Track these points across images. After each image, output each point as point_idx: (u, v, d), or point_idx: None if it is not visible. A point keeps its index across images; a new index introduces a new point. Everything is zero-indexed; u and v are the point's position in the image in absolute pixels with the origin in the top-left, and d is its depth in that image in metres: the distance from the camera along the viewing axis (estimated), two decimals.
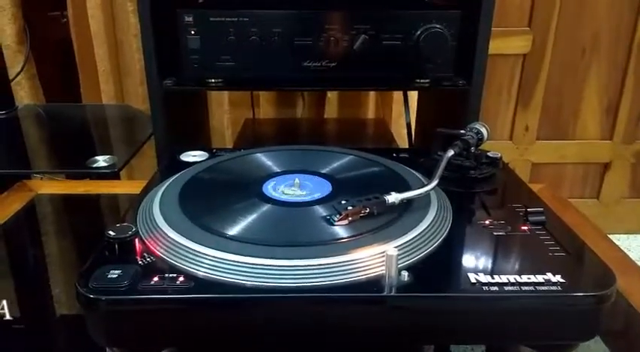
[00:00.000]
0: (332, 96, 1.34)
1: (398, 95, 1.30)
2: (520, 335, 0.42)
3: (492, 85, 1.52)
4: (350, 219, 0.46)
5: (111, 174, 0.80)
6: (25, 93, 1.26)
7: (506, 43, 1.47)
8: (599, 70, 1.52)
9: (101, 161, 0.83)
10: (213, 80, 0.79)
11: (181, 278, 0.41)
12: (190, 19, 0.75)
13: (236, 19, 0.75)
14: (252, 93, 1.35)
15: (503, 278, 0.41)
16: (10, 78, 1.20)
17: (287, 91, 1.35)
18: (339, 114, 1.35)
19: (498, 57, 1.48)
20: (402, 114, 1.25)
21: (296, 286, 0.40)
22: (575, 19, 1.46)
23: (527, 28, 1.47)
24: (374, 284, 0.40)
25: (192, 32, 0.75)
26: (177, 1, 0.76)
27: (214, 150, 0.68)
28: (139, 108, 1.22)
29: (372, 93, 1.36)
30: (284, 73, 0.78)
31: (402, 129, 1.27)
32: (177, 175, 0.57)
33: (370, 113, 1.37)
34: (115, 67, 1.30)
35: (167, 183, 0.54)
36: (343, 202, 0.47)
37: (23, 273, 0.65)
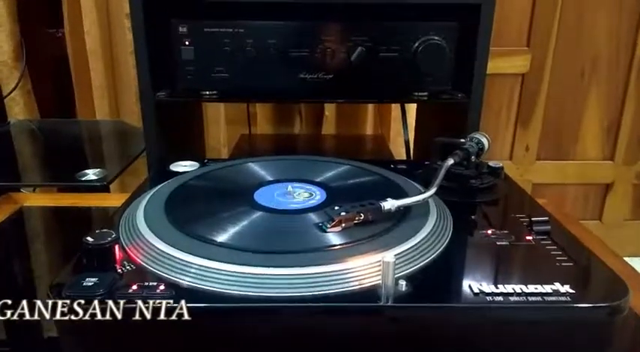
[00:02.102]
0: (329, 113, 1.32)
1: (396, 112, 1.28)
2: (526, 350, 0.39)
3: (492, 104, 1.51)
4: (343, 225, 0.43)
5: (100, 187, 0.77)
6: (20, 109, 1.25)
7: (504, 63, 1.47)
8: (599, 90, 1.51)
9: (91, 174, 0.81)
10: (207, 92, 0.77)
11: (162, 287, 0.38)
12: (185, 29, 0.74)
13: (231, 29, 0.73)
14: (249, 109, 1.33)
15: (509, 288, 0.38)
16: (5, 94, 1.19)
17: (284, 108, 1.34)
18: (336, 131, 1.33)
19: (497, 76, 1.48)
20: (400, 131, 1.23)
21: (287, 296, 0.38)
22: (574, 40, 1.46)
23: (526, 48, 1.47)
24: (369, 293, 0.38)
25: (187, 43, 0.74)
26: (171, 11, 0.75)
27: (206, 161, 0.66)
28: (134, 125, 1.20)
29: (370, 110, 1.34)
30: (280, 84, 0.76)
31: (401, 148, 1.25)
32: (164, 183, 0.54)
33: (369, 129, 1.36)
34: (112, 85, 1.29)
35: (153, 191, 0.52)
36: (336, 208, 0.45)
37: (5, 288, 0.62)
